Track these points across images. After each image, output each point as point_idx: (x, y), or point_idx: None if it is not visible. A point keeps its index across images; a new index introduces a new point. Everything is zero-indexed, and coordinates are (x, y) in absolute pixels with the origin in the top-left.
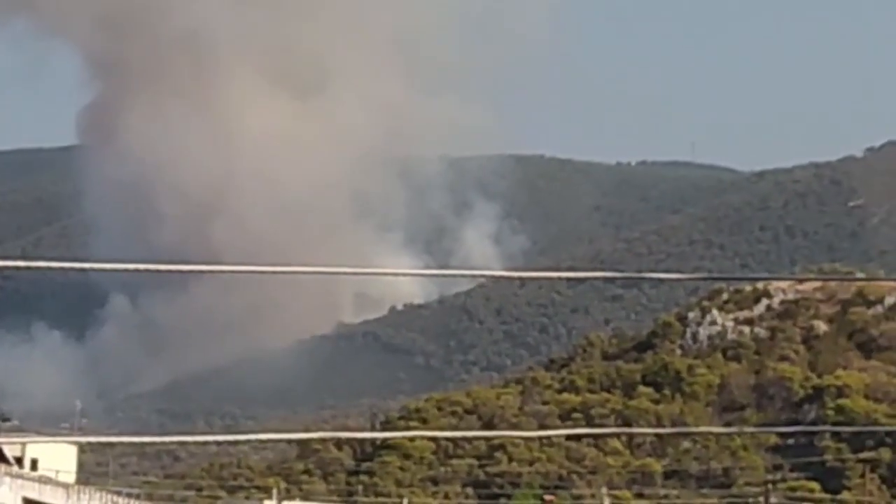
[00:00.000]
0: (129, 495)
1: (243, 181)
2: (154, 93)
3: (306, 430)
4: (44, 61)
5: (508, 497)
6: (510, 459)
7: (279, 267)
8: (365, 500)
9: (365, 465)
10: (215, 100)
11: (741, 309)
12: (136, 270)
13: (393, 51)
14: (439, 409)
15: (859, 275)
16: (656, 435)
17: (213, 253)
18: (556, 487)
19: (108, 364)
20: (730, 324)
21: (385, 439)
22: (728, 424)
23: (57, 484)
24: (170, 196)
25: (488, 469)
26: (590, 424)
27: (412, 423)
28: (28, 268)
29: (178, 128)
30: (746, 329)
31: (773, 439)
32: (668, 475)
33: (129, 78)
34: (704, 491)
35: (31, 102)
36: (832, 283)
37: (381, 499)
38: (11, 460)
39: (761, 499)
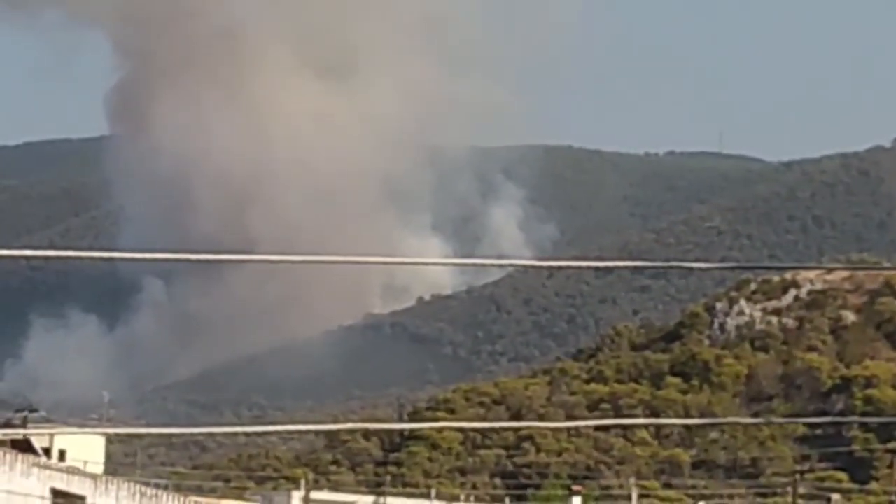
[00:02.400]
0: (156, 486)
1: (277, 168)
2: (185, 81)
3: (334, 421)
4: (74, 52)
5: (536, 488)
6: (538, 450)
7: (307, 256)
8: (393, 490)
9: (393, 456)
10: (247, 87)
11: (769, 299)
12: (165, 259)
13: (424, 37)
14: (467, 399)
15: (887, 265)
16: (684, 425)
17: (249, 241)
18: (584, 478)
19: (139, 354)
20: (758, 314)
21: (413, 430)
22: (756, 415)
23: (85, 475)
24: (204, 185)
25: (516, 460)
26: (618, 415)
27: (440, 414)
28: (61, 258)
29: (210, 116)
30: (774, 319)
31: (801, 429)
32: (696, 465)
33: (159, 67)
34: (732, 481)
35: (59, 93)
36: (860, 274)
37: (408, 489)
38: (39, 451)
39: (789, 489)
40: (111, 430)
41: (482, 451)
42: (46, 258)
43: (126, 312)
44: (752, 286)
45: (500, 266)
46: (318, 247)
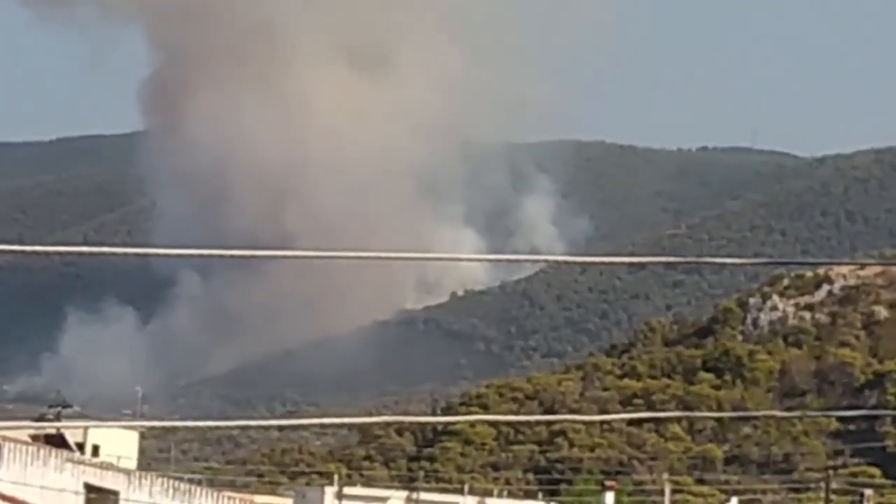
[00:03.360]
0: (190, 481)
1: (313, 161)
2: (220, 75)
3: (367, 417)
4: (109, 48)
5: (569, 483)
6: (571, 445)
7: (340, 252)
8: (426, 486)
9: (426, 451)
10: (282, 80)
11: (802, 294)
12: (197, 255)
13: (459, 29)
14: (500, 395)
15: None
16: (717, 420)
17: (286, 236)
18: (617, 473)
19: (174, 348)
20: (790, 309)
21: (446, 425)
22: (789, 410)
23: (118, 470)
24: (240, 179)
25: (549, 455)
26: (650, 410)
27: (473, 409)
28: (96, 254)
29: (245, 110)
30: (807, 315)
31: (834, 425)
32: (728, 461)
33: (194, 61)
34: (765, 476)
35: (94, 89)
36: (893, 269)
37: (442, 485)
38: (73, 446)
39: (822, 484)
40: (145, 425)
41: (515, 447)
42: (83, 254)
43: (161, 306)
44: (785, 282)
45: (534, 262)
46: (353, 240)
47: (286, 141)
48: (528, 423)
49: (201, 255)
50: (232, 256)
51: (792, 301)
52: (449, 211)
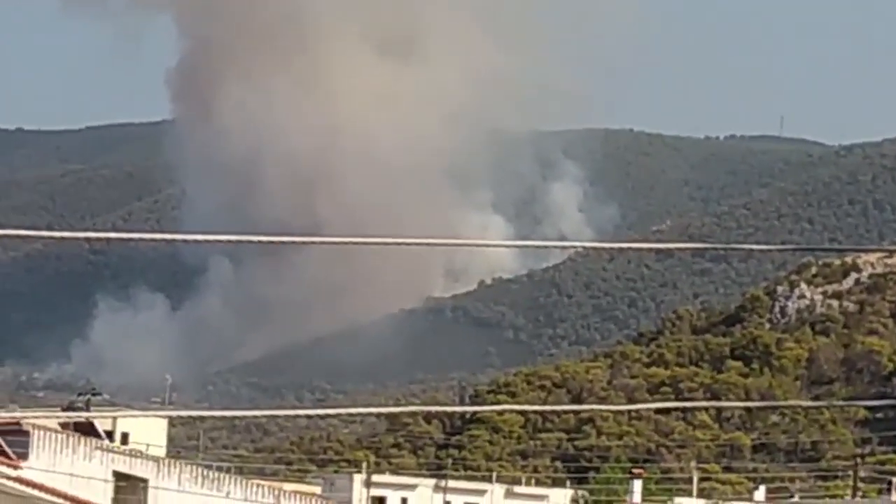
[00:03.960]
0: (218, 469)
1: (344, 148)
2: (249, 63)
3: (396, 405)
4: (139, 36)
5: (597, 470)
6: (599, 433)
7: (369, 238)
8: (454, 473)
9: (454, 440)
10: (312, 67)
11: (830, 283)
12: (224, 242)
13: (488, 17)
14: (528, 383)
15: None
16: (745, 408)
17: (317, 224)
18: (645, 461)
19: (204, 336)
20: (818, 297)
21: (474, 413)
22: (816, 398)
23: (147, 458)
24: (270, 168)
25: (577, 443)
26: (678, 398)
27: (501, 397)
28: (134, 240)
29: (275, 97)
30: (835, 303)
31: (862, 413)
32: (756, 449)
33: (225, 51)
34: (793, 464)
35: (122, 77)
36: None
37: (470, 472)
38: (102, 434)
39: (850, 472)
40: (174, 413)
41: (543, 435)
42: (112, 241)
43: (192, 294)
44: (813, 270)
45: (562, 248)
46: (382, 228)
47: (316, 128)
48: (556, 412)
49: (229, 242)
50: (259, 242)
51: (820, 289)
52: (477, 198)
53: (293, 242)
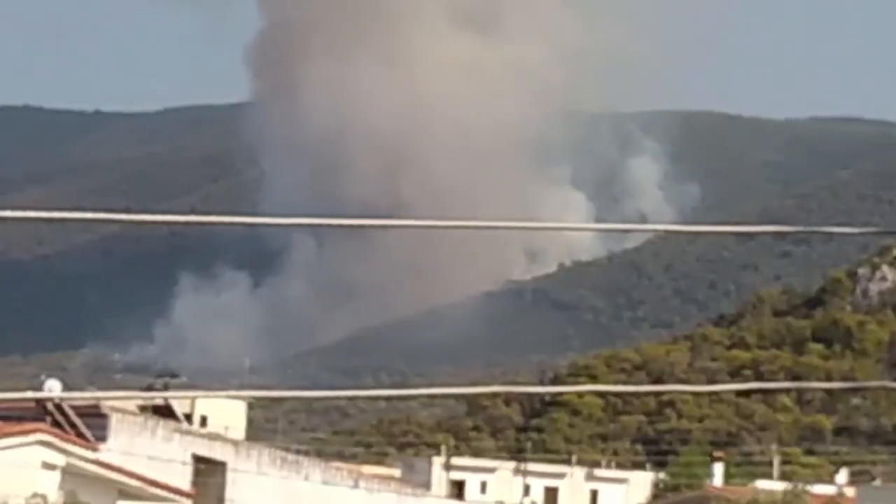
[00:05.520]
0: (297, 451)
1: (429, 126)
2: (332, 42)
3: (475, 387)
4: (220, 17)
5: (677, 454)
6: (679, 416)
7: (450, 221)
8: (534, 456)
9: (534, 422)
10: (396, 46)
11: None
12: (304, 225)
13: None
14: (608, 365)
15: None
16: (826, 391)
17: (402, 204)
18: (726, 444)
19: (285, 317)
20: None
21: (554, 395)
22: None
23: (226, 440)
24: (353, 147)
25: (657, 426)
26: (759, 381)
27: (581, 380)
28: (213, 223)
29: (359, 73)
30: None
31: None
32: (838, 432)
33: (306, 28)
34: (875, 447)
35: (201, 59)
36: None
37: (549, 455)
38: (181, 417)
39: None
40: (253, 394)
41: (623, 417)
42: (191, 223)
43: (274, 272)
44: (895, 252)
45: (642, 231)
46: (466, 208)
47: (399, 107)
48: (636, 394)
49: (303, 224)
50: (340, 226)
51: None
52: (557, 175)
53: (375, 226)
